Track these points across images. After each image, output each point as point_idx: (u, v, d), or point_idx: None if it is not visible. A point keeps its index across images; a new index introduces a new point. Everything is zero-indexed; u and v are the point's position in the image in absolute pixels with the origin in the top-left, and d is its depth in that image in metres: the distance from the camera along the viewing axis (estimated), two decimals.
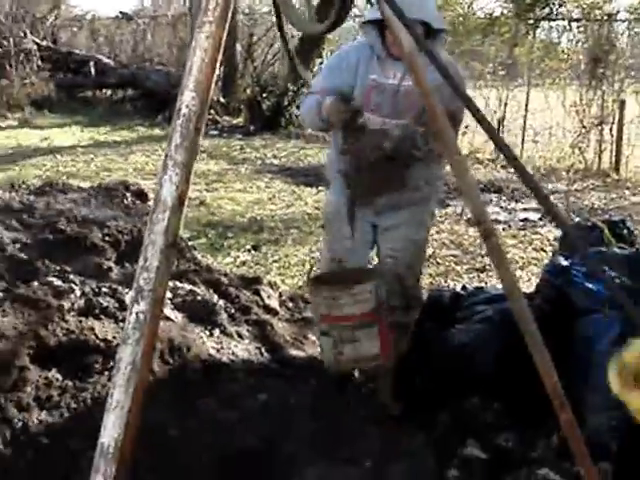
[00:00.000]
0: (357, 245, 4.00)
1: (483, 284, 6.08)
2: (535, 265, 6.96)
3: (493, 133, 1.77)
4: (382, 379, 4.18)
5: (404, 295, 4.07)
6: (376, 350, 3.68)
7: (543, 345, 1.90)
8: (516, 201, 9.81)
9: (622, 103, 12.47)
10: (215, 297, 4.96)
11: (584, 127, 12.56)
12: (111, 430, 1.87)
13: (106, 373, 3.95)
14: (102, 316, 4.31)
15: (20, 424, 3.61)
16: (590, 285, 3.98)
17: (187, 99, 1.85)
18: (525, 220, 8.81)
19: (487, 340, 4.08)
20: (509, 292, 1.87)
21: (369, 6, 3.62)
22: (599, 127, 12.62)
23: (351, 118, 3.60)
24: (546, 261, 6.41)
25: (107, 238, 5.44)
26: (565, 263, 4.15)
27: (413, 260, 4.12)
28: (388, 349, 3.74)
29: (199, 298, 4.83)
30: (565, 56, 14.10)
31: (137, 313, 1.87)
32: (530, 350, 1.93)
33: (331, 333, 3.69)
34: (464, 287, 4.95)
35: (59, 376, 3.87)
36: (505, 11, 14.87)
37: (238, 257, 6.97)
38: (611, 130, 12.55)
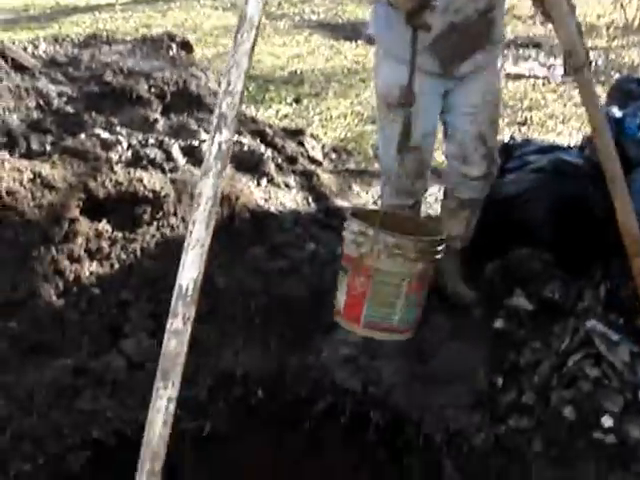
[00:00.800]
0: (428, 124, 3.48)
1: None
2: (576, 120, 6.65)
3: None
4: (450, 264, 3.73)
5: (486, 157, 3.58)
6: (340, 305, 3.09)
7: (625, 189, 1.70)
8: (555, 57, 9.39)
9: None
10: (262, 147, 4.77)
11: None
12: (190, 270, 1.68)
13: (155, 224, 3.89)
14: (150, 167, 4.17)
15: (72, 275, 3.58)
16: None
17: None
18: (565, 75, 8.39)
19: (539, 190, 3.88)
20: (597, 130, 1.65)
21: None
22: None
23: (419, 9, 2.91)
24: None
25: (153, 90, 5.21)
26: (618, 114, 3.89)
27: (495, 113, 3.62)
28: (352, 312, 3.03)
29: (246, 148, 4.64)
30: None
31: (219, 143, 1.64)
32: (611, 193, 1.72)
33: None
34: (512, 138, 4.70)
35: (109, 227, 3.80)
36: None
37: (280, 110, 6.72)
38: None
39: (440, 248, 3.03)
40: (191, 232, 1.68)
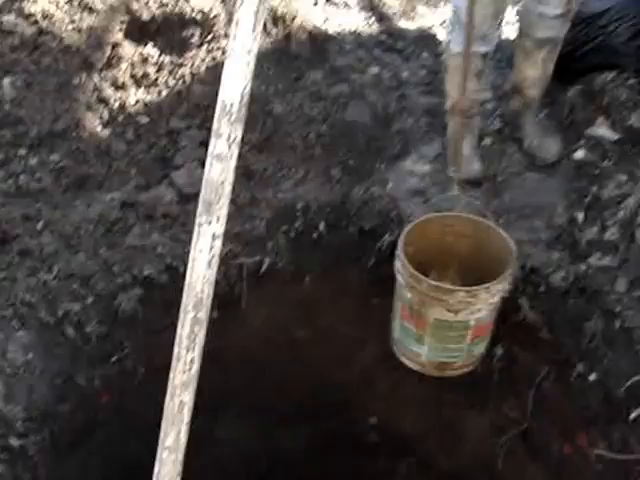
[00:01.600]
0: None
1: None
2: None
3: None
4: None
5: None
6: None
7: None
8: None
9: None
10: None
11: None
12: (234, 82, 1.35)
13: (204, 47, 3.65)
14: None
15: (117, 104, 3.40)
16: None
17: None
18: None
19: (626, 7, 3.47)
20: None
21: None
22: None
23: None
24: None
25: None
26: None
27: None
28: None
29: None
30: None
31: None
32: None
33: None
34: None
35: (155, 52, 3.59)
36: None
37: None
38: None
39: (439, 296, 2.71)
40: (234, 35, 1.34)
